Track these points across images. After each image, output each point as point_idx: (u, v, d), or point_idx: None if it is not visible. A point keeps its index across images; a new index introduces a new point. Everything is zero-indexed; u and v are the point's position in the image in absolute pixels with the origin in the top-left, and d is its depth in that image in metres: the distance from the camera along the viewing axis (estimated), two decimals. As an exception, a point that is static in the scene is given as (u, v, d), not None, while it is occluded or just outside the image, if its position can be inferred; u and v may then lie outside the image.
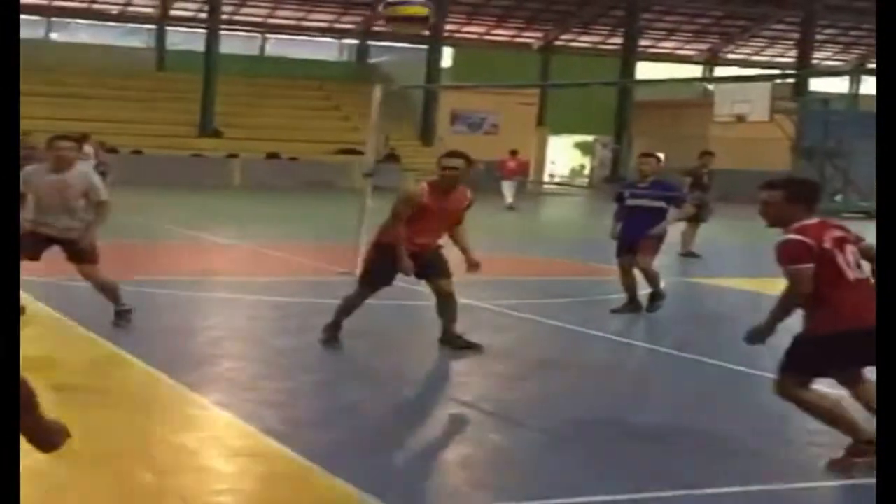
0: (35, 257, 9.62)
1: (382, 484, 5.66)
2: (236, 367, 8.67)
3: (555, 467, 6.26)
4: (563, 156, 59.75)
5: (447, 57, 49.56)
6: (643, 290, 11.92)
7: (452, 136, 46.45)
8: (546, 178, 55.43)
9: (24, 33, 46.82)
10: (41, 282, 12.34)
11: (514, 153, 33.73)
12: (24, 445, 3.46)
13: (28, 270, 12.88)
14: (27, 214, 9.54)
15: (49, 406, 6.89)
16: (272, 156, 41.67)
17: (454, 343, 9.27)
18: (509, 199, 31.90)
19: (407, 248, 8.92)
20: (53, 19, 48.04)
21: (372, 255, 9.26)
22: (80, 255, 9.66)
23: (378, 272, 9.14)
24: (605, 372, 9.23)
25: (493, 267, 17.05)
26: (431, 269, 9.13)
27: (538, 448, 6.74)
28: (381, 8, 10.03)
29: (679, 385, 8.86)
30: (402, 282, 9.47)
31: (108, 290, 9.83)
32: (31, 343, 9.18)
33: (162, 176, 36.38)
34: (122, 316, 9.75)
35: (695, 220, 18.11)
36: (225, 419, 6.91)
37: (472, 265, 9.28)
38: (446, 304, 9.22)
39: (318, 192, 35.87)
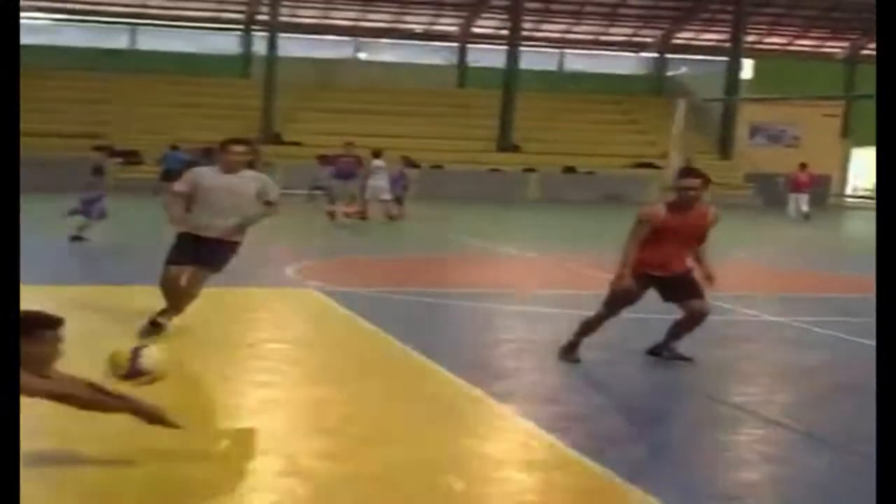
0: (192, 260, 9.68)
1: (688, 501, 5.64)
2: (539, 380, 8.80)
3: (868, 492, 6.06)
4: (868, 169, 57.46)
5: (747, 69, 48.56)
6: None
7: (751, 149, 45.52)
8: (849, 192, 53.52)
9: (334, 53, 48.83)
10: (352, 293, 12.90)
11: (803, 166, 33.16)
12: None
13: (340, 282, 13.50)
14: (189, 216, 9.63)
15: (369, 415, 7.21)
16: (569, 170, 41.96)
17: (665, 353, 9.29)
18: (804, 208, 31.80)
19: (653, 272, 8.94)
20: (361, 39, 49.87)
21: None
22: (213, 255, 9.60)
23: (623, 293, 9.10)
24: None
25: (795, 283, 16.71)
26: (683, 292, 9.06)
27: (849, 471, 6.53)
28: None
29: None
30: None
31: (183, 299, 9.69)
32: (346, 353, 9.60)
33: (460, 190, 37.26)
34: (156, 326, 9.52)
35: None
36: (529, 430, 7.00)
37: (708, 278, 9.13)
38: (694, 323, 9.11)
39: (613, 206, 35.83)
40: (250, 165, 10.67)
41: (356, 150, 26.33)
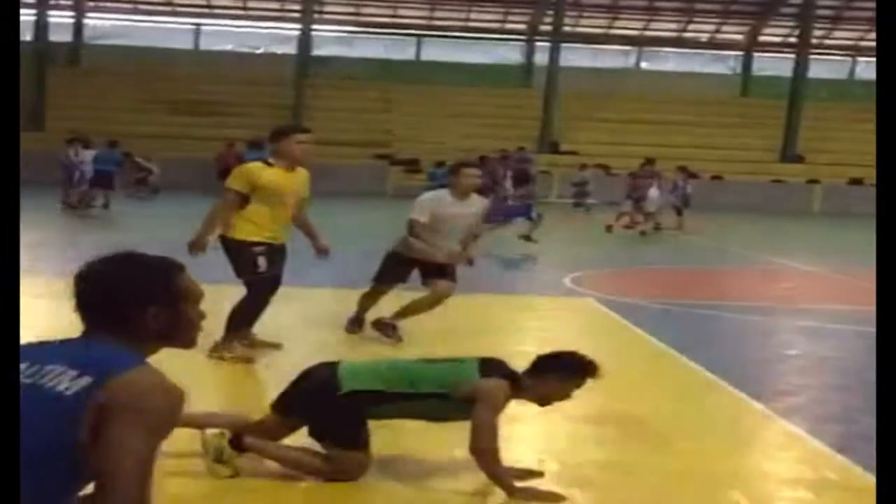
0: (403, 279, 9.75)
1: None
2: (826, 398, 8.52)
3: None
4: None
5: None
6: None
7: None
8: None
9: (615, 62, 48.68)
10: (631, 303, 12.86)
11: None
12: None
13: (618, 293, 13.46)
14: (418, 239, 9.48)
15: (651, 427, 7.16)
16: (855, 181, 40.48)
17: None
18: None
19: None
20: (644, 49, 49.56)
21: None
22: (444, 270, 9.55)
23: None
24: None
25: None
26: None
27: None
28: None
29: None
30: None
31: (430, 307, 9.60)
32: (626, 363, 9.57)
33: (741, 201, 36.56)
34: (386, 328, 9.56)
35: None
36: (817, 449, 6.79)
37: None
38: None
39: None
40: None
41: (649, 168, 26.42)
